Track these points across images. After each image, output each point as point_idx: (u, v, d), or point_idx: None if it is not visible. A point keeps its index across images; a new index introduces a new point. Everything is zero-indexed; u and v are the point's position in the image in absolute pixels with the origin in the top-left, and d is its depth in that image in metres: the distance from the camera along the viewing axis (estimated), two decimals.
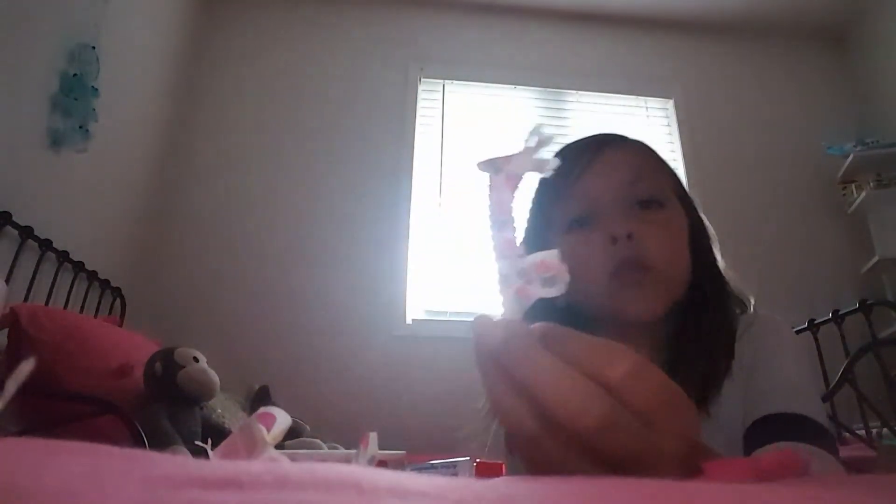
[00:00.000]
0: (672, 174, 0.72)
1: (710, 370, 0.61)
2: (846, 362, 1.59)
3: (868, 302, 1.79)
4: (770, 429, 0.56)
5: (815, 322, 1.95)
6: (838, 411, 1.60)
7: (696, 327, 0.65)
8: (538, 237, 0.70)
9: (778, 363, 0.62)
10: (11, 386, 0.23)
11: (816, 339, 1.91)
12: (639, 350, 0.59)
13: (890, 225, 2.81)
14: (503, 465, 0.32)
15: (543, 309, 0.59)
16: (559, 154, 0.71)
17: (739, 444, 0.57)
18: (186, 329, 2.37)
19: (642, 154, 0.70)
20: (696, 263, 0.67)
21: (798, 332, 2.01)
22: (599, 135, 0.72)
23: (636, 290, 0.61)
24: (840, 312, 1.85)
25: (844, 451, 1.53)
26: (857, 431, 1.55)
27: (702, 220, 0.74)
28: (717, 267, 0.71)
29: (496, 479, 0.18)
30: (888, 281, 2.76)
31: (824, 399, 1.58)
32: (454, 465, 0.29)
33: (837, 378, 1.59)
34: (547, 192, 0.69)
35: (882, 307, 2.15)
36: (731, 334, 0.65)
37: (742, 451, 0.57)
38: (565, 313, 0.64)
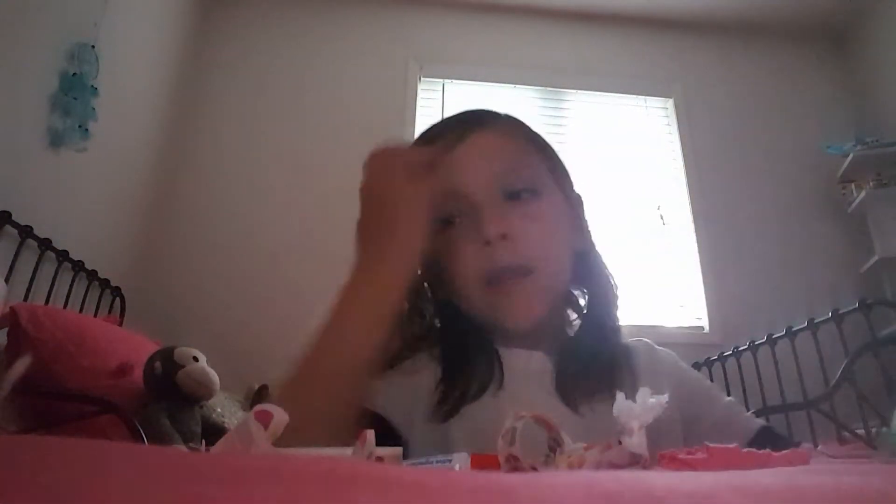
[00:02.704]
0: (547, 153, 0.64)
1: (598, 377, 0.57)
2: (846, 362, 1.59)
3: (868, 301, 1.79)
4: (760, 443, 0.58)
5: (815, 321, 1.95)
6: (838, 411, 1.60)
7: (586, 324, 0.62)
8: None
9: (710, 394, 0.62)
10: (8, 383, 0.24)
11: (816, 339, 1.91)
12: (533, 350, 0.60)
13: (890, 224, 2.80)
14: (499, 458, 0.32)
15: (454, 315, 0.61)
16: (424, 135, 0.65)
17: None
18: (186, 329, 2.37)
19: (512, 137, 0.62)
20: (576, 253, 0.62)
21: (797, 331, 2.01)
22: (464, 114, 0.65)
23: (515, 297, 0.56)
24: (840, 312, 1.84)
25: (844, 451, 1.53)
26: (857, 431, 1.55)
27: (580, 203, 0.66)
28: (597, 256, 0.65)
29: (492, 472, 0.18)
30: (888, 280, 2.76)
31: (824, 398, 1.58)
32: (450, 459, 0.29)
33: (837, 377, 1.59)
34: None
35: (882, 306, 2.15)
36: (617, 340, 0.62)
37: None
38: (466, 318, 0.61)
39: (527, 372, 0.58)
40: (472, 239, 0.56)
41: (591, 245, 0.65)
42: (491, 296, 0.56)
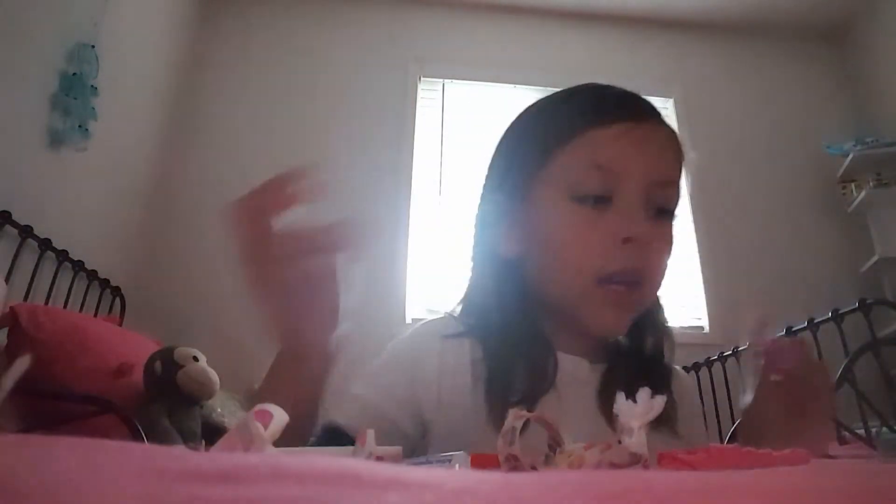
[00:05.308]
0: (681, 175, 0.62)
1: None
2: (846, 362, 1.58)
3: (867, 301, 1.78)
4: None
5: (815, 321, 1.95)
6: (838, 411, 1.60)
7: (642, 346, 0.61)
8: (517, 177, 0.60)
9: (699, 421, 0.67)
10: (7, 382, 0.24)
11: (816, 339, 1.91)
12: (581, 357, 0.58)
13: (890, 224, 2.80)
14: (498, 457, 0.32)
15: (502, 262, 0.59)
16: (578, 92, 0.60)
17: None
18: (186, 329, 2.36)
19: (677, 150, 0.58)
20: None
21: (797, 331, 2.01)
22: (635, 96, 0.58)
23: (617, 309, 0.54)
24: (839, 312, 1.84)
25: (844, 451, 1.53)
26: (857, 431, 1.55)
27: None
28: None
29: (492, 471, 0.18)
30: (888, 280, 2.76)
31: None
32: (449, 458, 0.29)
33: (837, 378, 1.59)
34: (559, 131, 0.57)
35: (882, 306, 2.15)
36: (665, 361, 0.62)
37: None
38: (518, 270, 0.58)
39: (574, 378, 0.56)
40: (609, 231, 0.52)
41: None
42: (596, 295, 0.53)
